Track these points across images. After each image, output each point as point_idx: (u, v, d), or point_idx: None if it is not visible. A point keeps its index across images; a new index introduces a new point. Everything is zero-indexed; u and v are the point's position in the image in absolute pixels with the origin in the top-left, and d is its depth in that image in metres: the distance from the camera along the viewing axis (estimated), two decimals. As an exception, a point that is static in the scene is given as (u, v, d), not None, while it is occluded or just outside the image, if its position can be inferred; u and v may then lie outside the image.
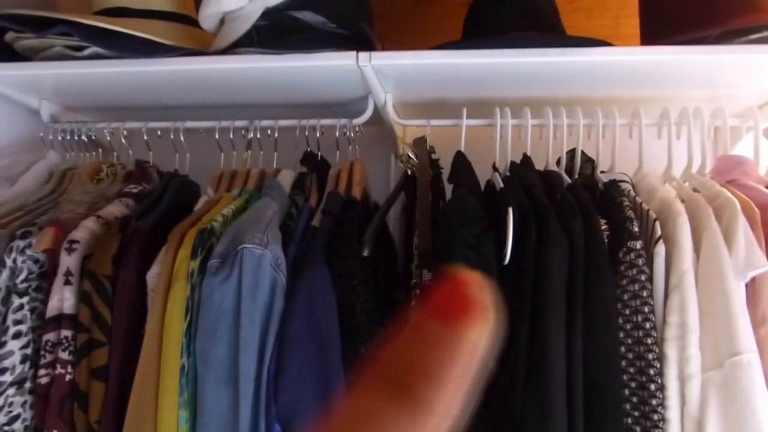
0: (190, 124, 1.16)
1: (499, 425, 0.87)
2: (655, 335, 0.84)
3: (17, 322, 0.93)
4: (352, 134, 1.13)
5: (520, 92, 1.14)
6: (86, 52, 1.04)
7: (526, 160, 1.07)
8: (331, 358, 0.86)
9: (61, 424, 0.90)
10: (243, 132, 1.15)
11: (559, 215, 0.90)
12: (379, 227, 0.99)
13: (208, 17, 1.06)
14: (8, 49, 1.09)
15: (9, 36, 1.07)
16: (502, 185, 0.99)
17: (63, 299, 0.94)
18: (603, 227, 0.90)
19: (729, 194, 0.89)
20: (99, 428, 0.91)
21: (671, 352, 0.84)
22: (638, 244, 0.86)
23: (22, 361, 0.93)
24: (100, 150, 1.21)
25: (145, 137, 1.16)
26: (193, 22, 1.12)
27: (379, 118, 1.18)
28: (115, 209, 1.04)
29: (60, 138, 1.18)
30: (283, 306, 0.89)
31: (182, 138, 1.15)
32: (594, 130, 1.08)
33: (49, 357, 0.93)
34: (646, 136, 1.08)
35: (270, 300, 0.88)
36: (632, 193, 0.98)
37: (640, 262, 0.86)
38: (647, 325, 0.84)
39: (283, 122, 1.14)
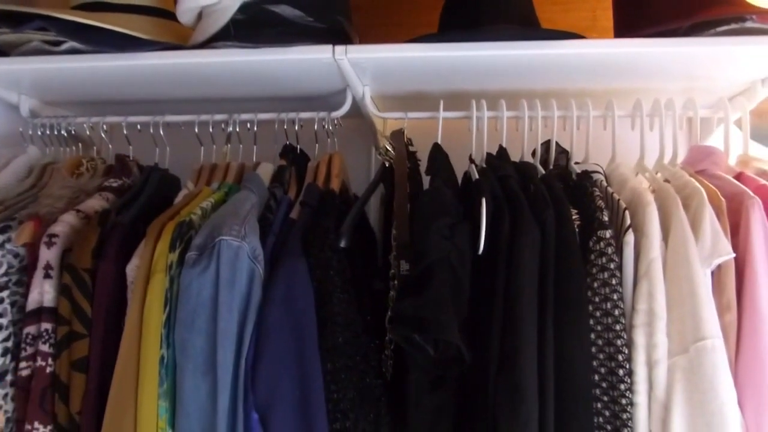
0: (169, 118, 1.17)
1: (473, 410, 0.89)
2: (623, 322, 0.87)
3: (-3, 316, 0.95)
4: (330, 127, 1.15)
5: (496, 85, 1.16)
6: (63, 46, 1.06)
7: (502, 151, 1.09)
8: (307, 348, 0.89)
9: (42, 416, 0.92)
10: (222, 126, 1.16)
11: (532, 206, 0.93)
12: (357, 219, 1.01)
13: (185, 11, 1.08)
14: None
15: None
16: (477, 177, 1.01)
17: (43, 292, 0.95)
18: (574, 217, 0.92)
19: (697, 184, 0.92)
20: (80, 419, 0.93)
21: (639, 338, 0.86)
22: (608, 233, 0.89)
23: (3, 354, 0.95)
24: (80, 145, 1.22)
25: (125, 132, 1.17)
26: (172, 17, 1.13)
27: (358, 111, 1.20)
28: (95, 203, 1.06)
29: (40, 133, 1.19)
30: (260, 297, 0.91)
31: (162, 132, 1.17)
32: (569, 121, 1.10)
33: (29, 350, 0.95)
34: (619, 128, 1.10)
35: (248, 291, 0.90)
36: (604, 183, 1.01)
37: (610, 250, 0.88)
38: (616, 312, 0.87)
39: (262, 116, 1.16)
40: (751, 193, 0.89)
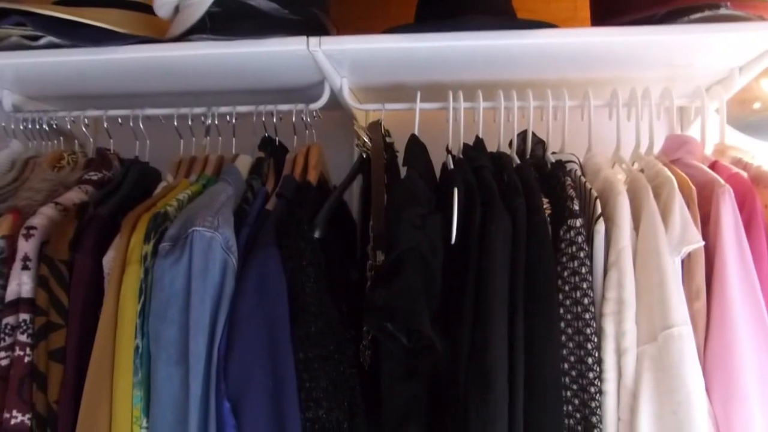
0: (149, 111, 1.17)
1: (446, 398, 0.90)
2: (593, 310, 0.87)
3: (-23, 307, 0.96)
4: (308, 119, 1.15)
5: (474, 76, 1.16)
6: (41, 41, 1.06)
7: (478, 142, 1.09)
8: (279, 338, 0.89)
9: (20, 405, 0.93)
10: (202, 118, 1.17)
11: (503, 195, 0.93)
12: (332, 210, 1.01)
13: (162, 5, 1.08)
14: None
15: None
16: (452, 167, 1.01)
17: (21, 284, 0.96)
18: (546, 206, 0.92)
19: (668, 173, 0.92)
20: (58, 408, 0.93)
21: (609, 326, 0.86)
22: (578, 222, 0.89)
23: (-18, 345, 0.96)
24: (62, 139, 1.23)
25: (105, 125, 1.18)
26: (150, 10, 1.13)
27: (337, 103, 1.20)
28: (73, 196, 1.06)
29: (22, 127, 1.20)
30: (233, 287, 0.91)
31: (141, 126, 1.17)
32: (545, 112, 1.10)
33: (8, 340, 0.95)
34: (598, 118, 1.10)
35: (221, 281, 0.91)
36: (578, 172, 1.00)
37: (580, 239, 0.88)
38: (585, 301, 0.87)
39: (241, 108, 1.16)
40: (722, 182, 0.89)
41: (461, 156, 1.07)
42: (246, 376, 0.88)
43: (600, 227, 0.89)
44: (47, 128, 1.20)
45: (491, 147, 1.09)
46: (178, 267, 0.89)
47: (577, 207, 0.90)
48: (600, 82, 1.16)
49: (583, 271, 0.87)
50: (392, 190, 0.97)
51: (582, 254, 0.88)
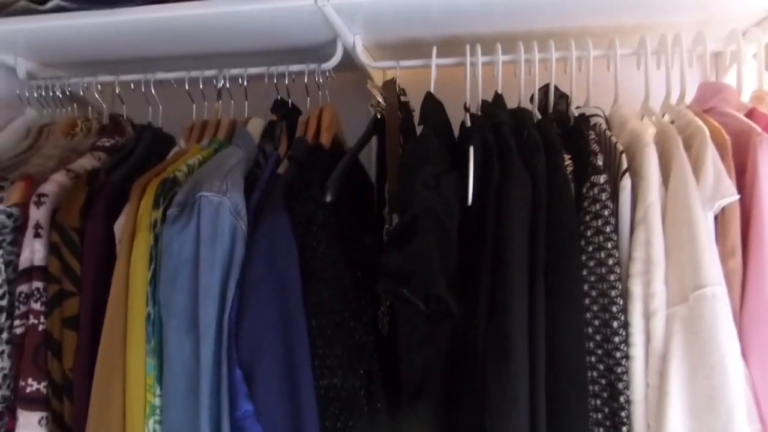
0: (160, 75, 1.13)
1: (464, 364, 0.85)
2: (618, 271, 0.80)
3: (-9, 275, 0.94)
4: (321, 80, 1.09)
5: (493, 28, 1.08)
6: (49, 5, 1.02)
7: (497, 98, 1.01)
8: (291, 303, 0.85)
9: (36, 372, 0.91)
10: (213, 81, 1.12)
11: (522, 153, 0.86)
12: (345, 173, 0.96)
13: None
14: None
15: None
16: (469, 125, 0.95)
17: (33, 251, 0.94)
18: (567, 162, 0.85)
19: (699, 122, 0.84)
20: (73, 376, 0.91)
21: (636, 288, 0.80)
22: (602, 178, 0.82)
23: (-1, 313, 0.94)
24: (75, 105, 1.19)
25: (117, 90, 1.14)
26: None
27: (352, 62, 1.14)
28: (85, 162, 1.03)
29: (36, 95, 1.16)
30: (243, 253, 0.87)
31: (153, 91, 1.13)
32: (568, 63, 1.02)
33: (23, 308, 0.94)
34: (625, 68, 1.01)
35: (230, 247, 0.87)
36: (603, 126, 0.93)
37: (604, 196, 0.81)
38: (610, 261, 0.80)
39: (252, 70, 1.11)
40: (759, 130, 0.80)
41: (479, 113, 1.01)
42: (257, 344, 0.84)
43: (626, 183, 0.82)
44: (60, 95, 1.16)
45: (512, 103, 1.02)
46: (186, 233, 0.85)
47: (600, 162, 0.83)
48: (627, 29, 1.07)
49: (608, 230, 0.81)
50: (405, 149, 0.91)
51: (606, 212, 0.81)
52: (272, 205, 0.88)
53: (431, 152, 0.87)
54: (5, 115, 1.15)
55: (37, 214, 0.94)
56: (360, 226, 1.01)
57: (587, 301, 0.81)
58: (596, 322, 0.81)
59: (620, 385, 0.78)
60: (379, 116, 1.05)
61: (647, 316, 0.79)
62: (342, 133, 1.13)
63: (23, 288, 0.94)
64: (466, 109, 1.02)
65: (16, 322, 0.93)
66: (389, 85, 1.04)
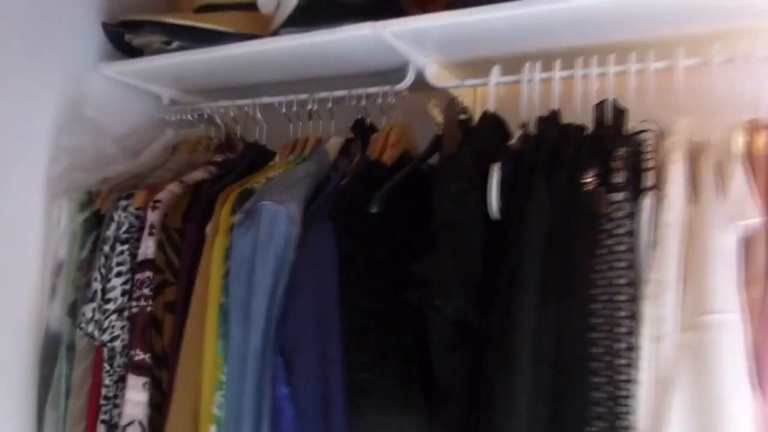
0: (265, 99, 1.30)
1: (483, 372, 0.88)
2: (629, 292, 0.78)
3: (119, 264, 1.17)
4: (393, 100, 1.18)
5: (560, 44, 1.08)
6: (173, 45, 1.24)
7: (553, 114, 1.02)
8: (327, 305, 0.95)
9: (143, 345, 1.12)
10: (307, 104, 1.26)
11: (549, 170, 0.87)
12: (396, 187, 1.03)
13: (264, 4, 1.19)
14: (131, 47, 1.34)
15: (127, 36, 1.31)
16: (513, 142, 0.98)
17: (147, 247, 1.15)
18: (589, 179, 0.85)
19: (737, 138, 0.78)
20: (169, 350, 1.11)
21: (648, 311, 0.78)
22: (620, 196, 0.81)
23: (123, 295, 1.17)
24: (203, 126, 1.41)
25: (232, 114, 1.34)
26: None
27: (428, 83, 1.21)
28: (197, 175, 1.24)
29: (174, 119, 1.41)
30: (294, 256, 1.00)
31: (258, 113, 1.31)
32: (629, 75, 0.99)
33: (137, 292, 1.15)
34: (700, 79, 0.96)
35: (283, 250, 1.00)
36: (648, 142, 0.89)
37: (620, 214, 0.80)
38: (621, 281, 0.79)
39: (337, 93, 1.23)
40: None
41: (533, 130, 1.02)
42: (298, 337, 0.96)
43: (646, 202, 0.80)
44: (191, 117, 1.39)
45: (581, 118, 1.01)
46: (248, 236, 1.00)
47: (620, 179, 0.82)
48: (701, 38, 1.00)
49: (621, 249, 0.79)
50: (435, 167, 0.96)
51: (621, 231, 0.80)
52: (319, 215, 1.00)
53: (459, 169, 0.92)
54: (151, 135, 1.40)
55: (152, 217, 1.16)
56: (412, 238, 1.07)
57: (597, 321, 0.80)
58: (605, 343, 0.79)
59: (622, 410, 0.76)
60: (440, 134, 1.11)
61: (656, 341, 0.76)
62: (416, 149, 1.20)
63: (139, 276, 1.16)
64: (522, 126, 1.04)
65: (132, 303, 1.15)
66: (451, 104, 1.10)
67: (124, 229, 1.19)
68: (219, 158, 1.29)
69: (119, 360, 1.15)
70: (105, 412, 1.16)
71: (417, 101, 1.20)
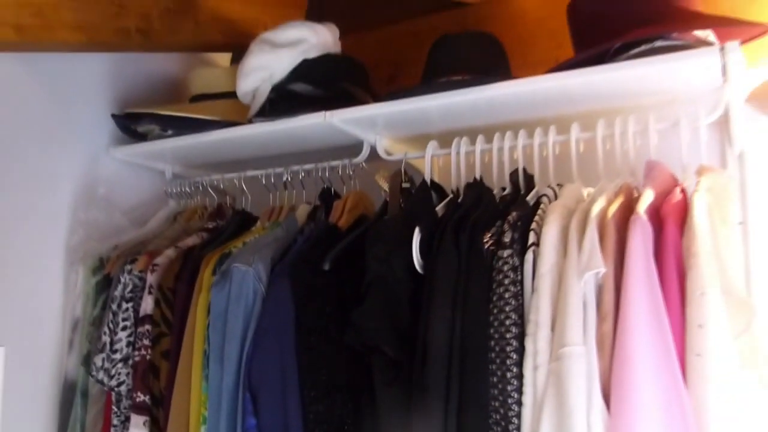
0: (249, 173, 1.56)
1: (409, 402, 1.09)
2: (514, 331, 0.99)
3: (124, 319, 1.42)
4: (351, 172, 1.42)
5: (487, 121, 1.31)
6: (168, 132, 1.52)
7: (475, 182, 1.24)
8: (285, 349, 1.18)
9: (143, 388, 1.36)
10: (282, 176, 1.51)
11: (454, 231, 1.09)
12: (344, 249, 1.26)
13: (244, 95, 1.46)
14: (137, 133, 1.62)
15: (132, 125, 1.60)
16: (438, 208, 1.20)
17: (147, 304, 1.40)
18: (487, 239, 1.06)
19: (596, 204, 0.99)
20: (165, 392, 1.34)
21: (529, 345, 0.98)
22: (506, 253, 1.02)
23: (127, 346, 1.41)
24: (198, 197, 1.68)
25: (221, 186, 1.60)
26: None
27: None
28: (190, 240, 1.49)
29: (175, 190, 1.68)
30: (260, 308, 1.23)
31: (243, 184, 1.56)
32: (531, 149, 1.21)
33: (139, 343, 1.40)
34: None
35: (252, 304, 1.23)
36: (542, 206, 1.11)
37: (506, 268, 1.01)
38: (507, 322, 0.99)
39: (306, 166, 1.48)
40: (640, 212, 0.94)
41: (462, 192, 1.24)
42: (262, 376, 1.18)
43: (528, 256, 1.01)
44: (188, 190, 1.66)
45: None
46: (223, 293, 1.24)
47: (507, 239, 1.03)
48: (614, 112, 1.21)
49: (507, 295, 1.00)
50: (368, 231, 1.19)
51: (507, 281, 1.01)
52: (278, 272, 1.23)
53: (386, 233, 1.15)
54: (156, 206, 1.67)
55: (151, 278, 1.41)
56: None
57: (492, 355, 1.01)
58: (499, 373, 1.00)
59: (511, 427, 0.96)
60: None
61: (535, 370, 0.96)
62: (372, 212, 1.44)
63: (141, 329, 1.40)
64: (453, 192, 1.27)
65: (135, 353, 1.40)
66: (395, 175, 1.34)
67: (129, 289, 1.45)
68: (210, 225, 1.55)
69: (125, 402, 1.39)
70: (114, 449, 1.39)
71: (375, 171, 1.44)
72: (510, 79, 1.18)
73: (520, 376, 0.98)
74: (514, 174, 1.23)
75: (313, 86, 1.36)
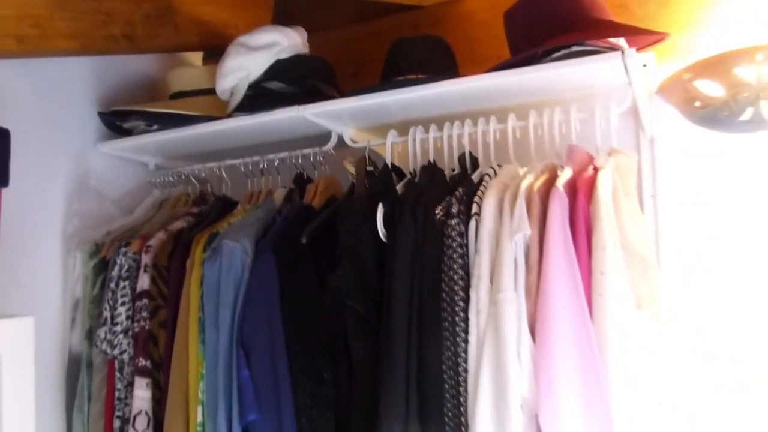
0: (228, 162, 1.81)
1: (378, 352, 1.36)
2: (461, 284, 1.27)
3: (123, 296, 1.66)
4: (321, 158, 1.68)
5: (437, 112, 1.58)
6: (154, 127, 1.75)
7: (430, 165, 1.51)
8: (272, 310, 1.44)
9: (144, 354, 1.60)
10: (259, 164, 1.76)
11: (412, 205, 1.37)
12: (319, 225, 1.52)
13: (222, 92, 1.70)
14: (122, 129, 1.85)
15: (118, 122, 1.83)
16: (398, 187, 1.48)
17: (143, 281, 1.64)
18: (438, 211, 1.33)
19: (524, 181, 1.28)
20: (164, 357, 1.59)
21: (473, 295, 1.26)
22: (454, 222, 1.30)
23: (127, 319, 1.65)
24: (181, 186, 1.91)
25: (203, 174, 1.84)
26: (219, 96, 1.76)
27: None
28: (178, 224, 1.73)
29: (159, 180, 1.91)
30: (248, 278, 1.49)
31: (224, 172, 1.81)
32: (483, 135, 1.49)
33: (138, 316, 1.64)
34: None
35: (241, 275, 1.49)
36: (484, 183, 1.38)
37: (454, 234, 1.29)
38: (455, 277, 1.27)
39: (281, 154, 1.73)
40: (559, 186, 1.22)
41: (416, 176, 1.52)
42: (252, 335, 1.44)
43: (472, 224, 1.29)
44: (172, 179, 1.89)
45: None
46: (214, 266, 1.50)
47: (455, 210, 1.30)
48: (545, 103, 1.49)
49: (455, 256, 1.28)
50: (339, 209, 1.46)
51: (454, 244, 1.29)
52: (262, 247, 1.49)
53: (354, 209, 1.42)
54: (142, 196, 1.91)
55: (146, 258, 1.65)
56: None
57: (444, 304, 1.29)
58: (450, 318, 1.28)
59: (460, 360, 1.24)
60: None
61: (478, 314, 1.24)
62: (341, 193, 1.70)
63: (138, 304, 1.64)
64: (411, 173, 1.54)
65: (135, 325, 1.64)
66: (360, 160, 1.60)
67: (125, 269, 1.68)
68: (195, 210, 1.79)
69: (127, 369, 1.63)
70: (119, 410, 1.64)
71: (342, 157, 1.70)
72: (457, 77, 1.46)
73: (466, 320, 1.26)
74: (461, 157, 1.51)
75: (286, 84, 1.61)
